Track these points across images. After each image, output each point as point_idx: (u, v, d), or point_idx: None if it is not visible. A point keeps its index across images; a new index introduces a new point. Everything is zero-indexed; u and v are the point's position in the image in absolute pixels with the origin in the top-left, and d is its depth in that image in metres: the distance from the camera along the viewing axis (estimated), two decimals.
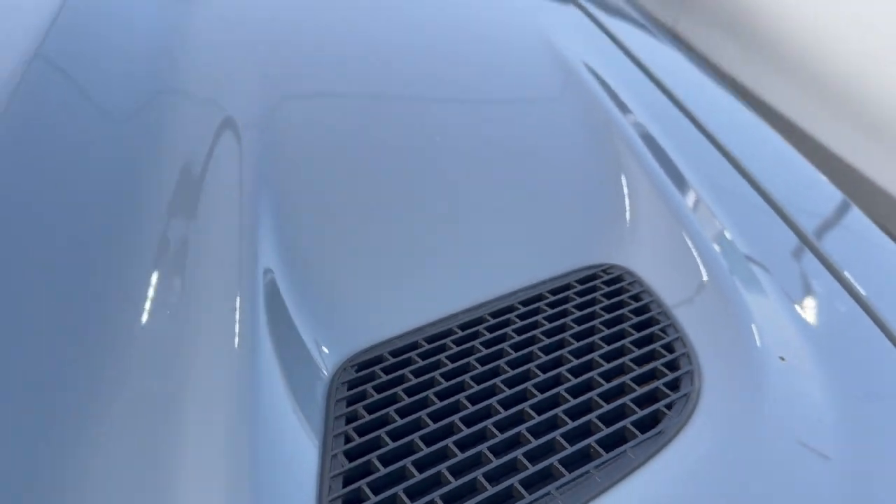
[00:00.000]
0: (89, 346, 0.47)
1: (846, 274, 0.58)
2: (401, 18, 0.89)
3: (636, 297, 0.55)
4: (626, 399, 0.48)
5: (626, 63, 0.89)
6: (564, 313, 0.55)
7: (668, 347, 0.51)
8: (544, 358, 0.51)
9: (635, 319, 0.53)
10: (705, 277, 0.55)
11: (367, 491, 0.41)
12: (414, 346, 0.52)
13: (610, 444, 0.45)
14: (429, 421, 0.46)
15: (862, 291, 0.56)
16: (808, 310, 0.54)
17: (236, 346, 0.47)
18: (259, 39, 0.80)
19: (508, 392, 0.48)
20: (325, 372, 0.49)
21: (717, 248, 0.59)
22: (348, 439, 0.45)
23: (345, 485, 0.41)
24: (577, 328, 0.53)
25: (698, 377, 0.49)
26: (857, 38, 1.55)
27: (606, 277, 0.57)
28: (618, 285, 0.57)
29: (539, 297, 0.56)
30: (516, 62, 0.85)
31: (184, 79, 0.71)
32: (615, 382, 0.48)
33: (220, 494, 0.40)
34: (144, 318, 0.50)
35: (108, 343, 0.48)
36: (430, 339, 0.52)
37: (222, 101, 0.68)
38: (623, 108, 0.76)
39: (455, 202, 0.64)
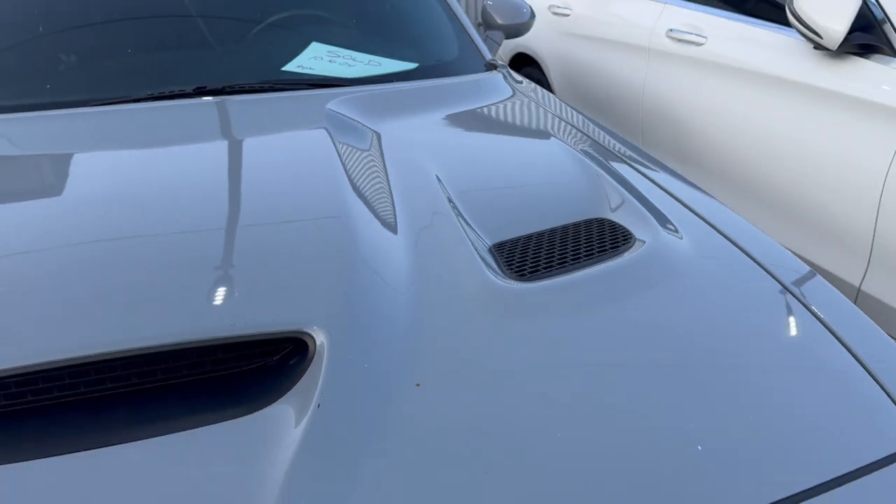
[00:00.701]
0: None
1: (699, 211, 1.15)
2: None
3: (610, 223, 1.10)
4: (606, 243, 0.99)
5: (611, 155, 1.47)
6: (579, 228, 1.04)
7: (624, 234, 1.02)
8: (572, 241, 1.05)
9: (610, 228, 1.04)
10: (639, 215, 1.11)
11: (511, 266, 0.93)
12: (518, 241, 1.01)
13: (607, 250, 0.97)
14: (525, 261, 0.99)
15: (704, 216, 1.13)
16: (677, 216, 1.11)
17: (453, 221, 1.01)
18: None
19: (567, 247, 0.99)
20: (488, 241, 1.01)
21: (642, 207, 1.14)
22: (504, 260, 0.95)
23: (508, 268, 0.91)
24: (586, 232, 1.03)
25: (636, 238, 1.01)
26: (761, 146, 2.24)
27: (598, 220, 1.12)
28: (604, 223, 1.10)
29: (568, 225, 1.09)
30: (547, 162, 1.35)
31: None
32: (604, 242, 1.00)
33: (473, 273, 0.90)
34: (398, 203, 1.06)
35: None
36: (524, 240, 1.01)
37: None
38: (604, 166, 1.35)
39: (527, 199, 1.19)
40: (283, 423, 0.67)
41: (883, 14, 1.98)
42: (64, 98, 1.46)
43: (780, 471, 0.67)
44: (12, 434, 0.68)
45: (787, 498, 0.64)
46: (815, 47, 2.11)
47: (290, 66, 1.71)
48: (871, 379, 0.81)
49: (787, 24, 2.24)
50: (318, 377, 0.71)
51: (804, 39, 2.15)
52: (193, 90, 1.49)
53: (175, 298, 0.80)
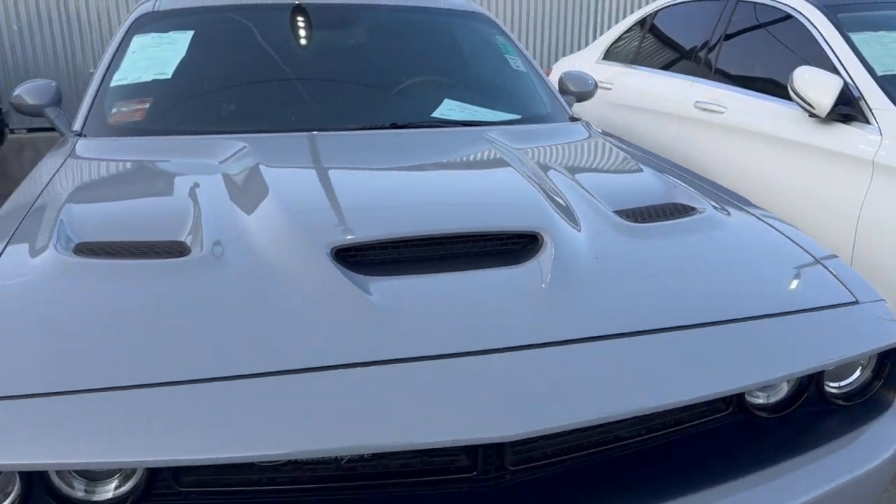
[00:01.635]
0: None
1: (735, 201, 1.76)
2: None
3: (681, 204, 1.68)
4: (679, 211, 1.59)
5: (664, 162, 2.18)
6: (661, 206, 1.62)
7: (690, 207, 1.60)
8: (659, 210, 1.72)
9: (681, 205, 1.64)
10: (698, 200, 1.74)
11: (627, 218, 1.61)
12: (627, 210, 1.63)
13: (680, 213, 1.63)
14: None
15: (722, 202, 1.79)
16: (721, 201, 1.79)
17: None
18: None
19: (657, 213, 1.67)
20: (610, 209, 1.62)
21: (699, 196, 1.77)
22: (622, 215, 1.60)
23: (626, 219, 1.60)
24: (667, 207, 1.61)
25: (698, 209, 1.68)
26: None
27: (672, 203, 1.70)
28: (676, 204, 1.68)
29: (654, 204, 1.71)
30: (632, 170, 2.02)
31: None
32: (678, 211, 1.65)
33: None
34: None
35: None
36: (630, 210, 1.64)
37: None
38: (662, 169, 2.04)
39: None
40: (540, 266, 1.34)
41: (859, 93, 2.70)
42: (317, 126, 2.23)
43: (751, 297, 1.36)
44: (397, 268, 1.34)
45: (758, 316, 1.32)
46: (809, 116, 2.82)
47: (436, 113, 2.45)
48: (814, 259, 1.50)
49: (788, 98, 2.96)
50: (550, 251, 1.38)
51: (801, 110, 2.86)
52: (389, 125, 2.23)
53: (472, 216, 1.51)
